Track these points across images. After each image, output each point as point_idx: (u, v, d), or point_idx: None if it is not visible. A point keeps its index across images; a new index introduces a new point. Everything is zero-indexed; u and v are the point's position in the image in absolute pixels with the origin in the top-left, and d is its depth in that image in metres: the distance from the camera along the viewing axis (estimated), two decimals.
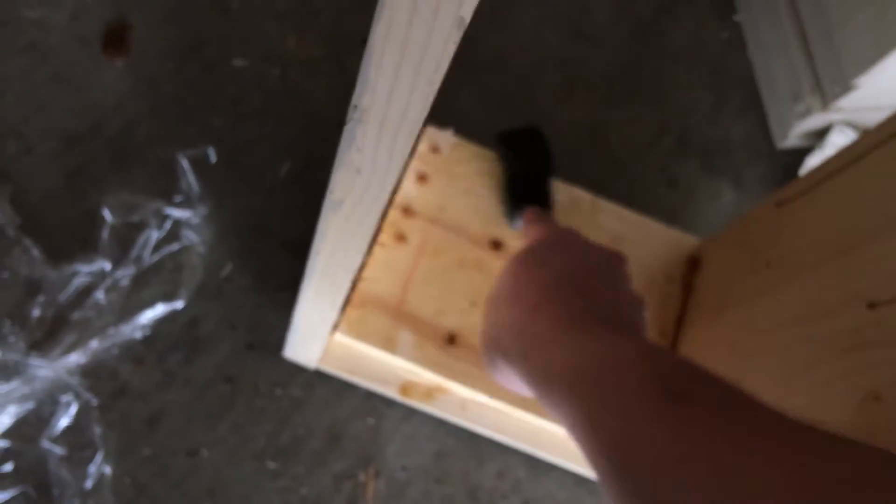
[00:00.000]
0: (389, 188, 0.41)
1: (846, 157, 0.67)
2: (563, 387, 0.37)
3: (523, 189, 0.83)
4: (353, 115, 0.36)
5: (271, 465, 0.80)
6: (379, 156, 0.38)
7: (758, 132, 1.05)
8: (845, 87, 0.91)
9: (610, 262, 0.50)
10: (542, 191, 0.83)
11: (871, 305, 0.56)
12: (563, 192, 0.90)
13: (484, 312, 0.50)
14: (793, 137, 1.01)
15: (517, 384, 0.45)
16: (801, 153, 1.04)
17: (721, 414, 0.31)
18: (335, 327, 0.78)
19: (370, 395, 0.83)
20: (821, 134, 1.00)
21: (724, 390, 0.33)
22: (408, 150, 0.37)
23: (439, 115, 0.88)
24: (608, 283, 0.47)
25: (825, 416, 0.57)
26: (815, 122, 0.98)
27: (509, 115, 0.99)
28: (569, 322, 0.41)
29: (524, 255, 0.50)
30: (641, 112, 1.04)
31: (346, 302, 0.79)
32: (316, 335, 0.70)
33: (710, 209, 1.00)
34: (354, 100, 0.35)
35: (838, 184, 0.68)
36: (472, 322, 0.82)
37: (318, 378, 0.83)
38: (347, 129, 0.37)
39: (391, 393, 0.82)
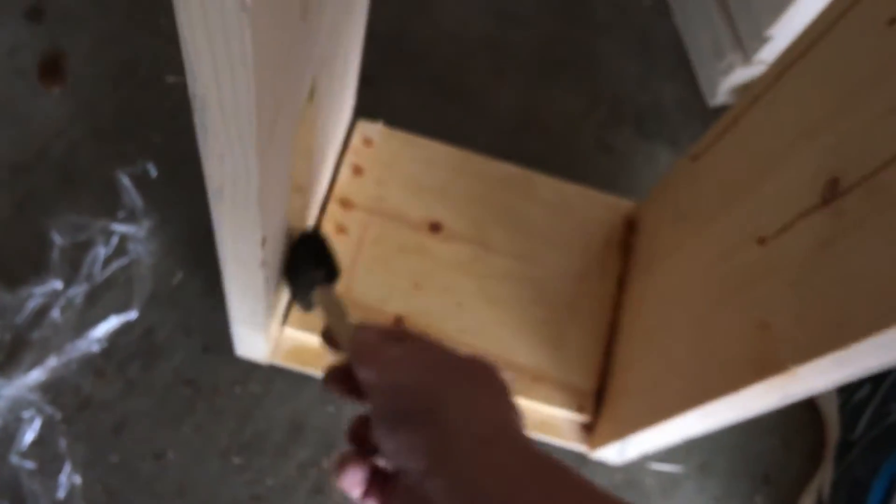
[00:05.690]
0: (256, 170, 0.44)
1: (744, 104, 0.70)
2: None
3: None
4: (195, 105, 0.39)
5: (236, 460, 0.82)
6: (232, 138, 0.41)
7: (689, 94, 1.07)
8: (761, 40, 0.93)
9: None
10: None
11: (761, 241, 0.58)
12: (498, 170, 0.93)
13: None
14: (722, 95, 1.03)
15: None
16: None
17: None
18: (284, 321, 0.81)
19: None
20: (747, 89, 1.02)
21: None
22: (254, 130, 0.40)
23: (371, 109, 0.92)
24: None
25: (728, 352, 0.59)
26: (739, 77, 1.00)
27: (442, 103, 1.02)
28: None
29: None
30: (573, 85, 1.06)
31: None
32: (255, 327, 0.73)
33: (648, 172, 1.02)
34: (190, 90, 0.38)
35: (737, 132, 0.71)
36: (416, 305, 0.84)
37: (276, 373, 0.85)
38: (197, 118, 0.40)
39: None
